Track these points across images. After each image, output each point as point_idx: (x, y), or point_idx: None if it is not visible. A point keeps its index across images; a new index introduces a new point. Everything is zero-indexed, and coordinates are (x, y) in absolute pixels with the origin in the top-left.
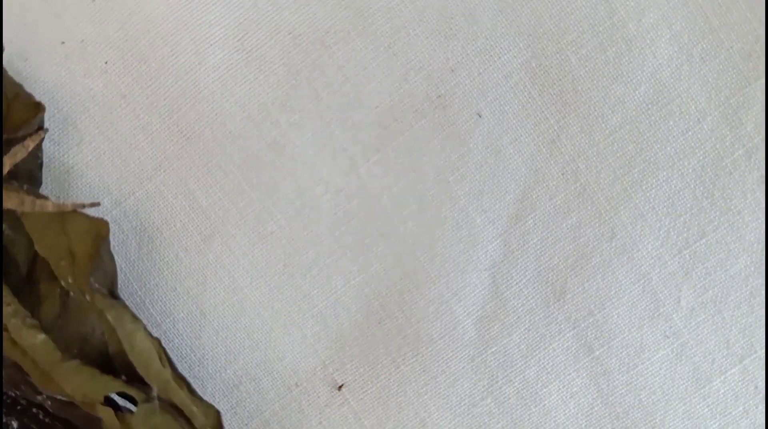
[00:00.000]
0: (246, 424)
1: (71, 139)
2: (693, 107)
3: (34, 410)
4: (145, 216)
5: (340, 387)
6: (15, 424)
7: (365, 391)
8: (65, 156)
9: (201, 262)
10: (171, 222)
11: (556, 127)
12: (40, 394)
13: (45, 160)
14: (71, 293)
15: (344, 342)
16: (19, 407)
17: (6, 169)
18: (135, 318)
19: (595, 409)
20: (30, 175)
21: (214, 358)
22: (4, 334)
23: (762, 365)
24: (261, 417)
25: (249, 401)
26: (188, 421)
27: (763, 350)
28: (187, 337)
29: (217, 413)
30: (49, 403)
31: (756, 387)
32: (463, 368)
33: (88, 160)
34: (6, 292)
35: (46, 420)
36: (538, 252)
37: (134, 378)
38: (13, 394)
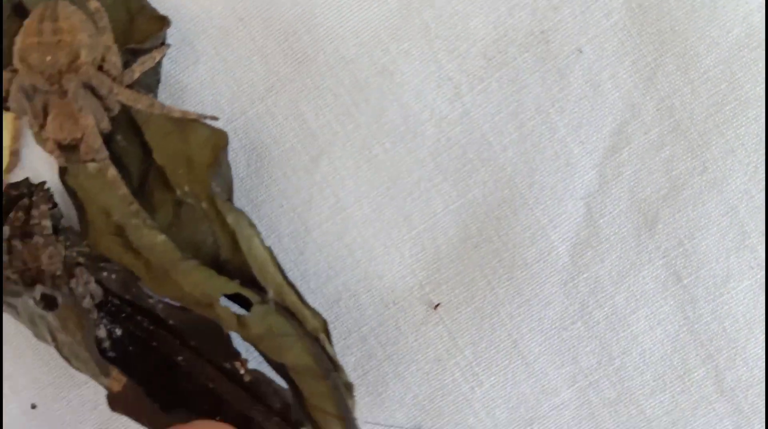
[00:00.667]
0: (344, 339)
1: (188, 58)
2: None
3: (139, 318)
4: (255, 135)
5: (436, 306)
6: (119, 331)
7: (460, 312)
8: (181, 74)
9: (308, 181)
10: (280, 141)
11: (653, 65)
12: (151, 297)
13: (162, 76)
14: (184, 203)
15: (441, 263)
16: (123, 315)
17: (136, 76)
18: (252, 224)
19: (681, 335)
20: (148, 88)
21: (316, 273)
22: (117, 238)
23: None
24: (359, 332)
25: (348, 316)
26: (300, 323)
27: None
28: (292, 252)
29: (324, 320)
30: (160, 306)
31: None
32: (555, 292)
33: (202, 79)
34: (128, 193)
35: (151, 327)
36: (632, 183)
37: (246, 283)
38: (118, 302)
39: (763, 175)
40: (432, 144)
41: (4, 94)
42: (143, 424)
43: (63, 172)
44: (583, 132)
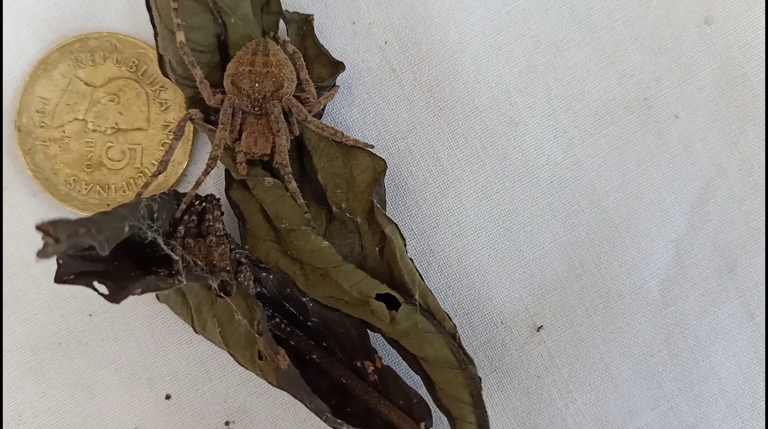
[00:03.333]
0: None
1: (345, 99)
2: None
3: (278, 320)
4: (395, 168)
5: (539, 328)
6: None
7: (560, 334)
8: (338, 112)
9: (435, 209)
10: (415, 174)
11: (737, 132)
12: (305, 297)
13: (323, 112)
14: (334, 218)
15: (546, 291)
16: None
17: (322, 107)
18: (402, 236)
19: (752, 367)
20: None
21: (436, 290)
22: (275, 245)
23: None
24: (469, 347)
25: (461, 332)
26: (439, 323)
27: None
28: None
29: (455, 325)
30: (311, 305)
31: None
32: (644, 322)
33: (355, 118)
34: (304, 203)
35: (288, 328)
36: (716, 230)
37: (393, 287)
38: (261, 303)
39: None
40: (545, 186)
41: (212, 111)
42: (301, 400)
43: (228, 187)
44: (675, 184)
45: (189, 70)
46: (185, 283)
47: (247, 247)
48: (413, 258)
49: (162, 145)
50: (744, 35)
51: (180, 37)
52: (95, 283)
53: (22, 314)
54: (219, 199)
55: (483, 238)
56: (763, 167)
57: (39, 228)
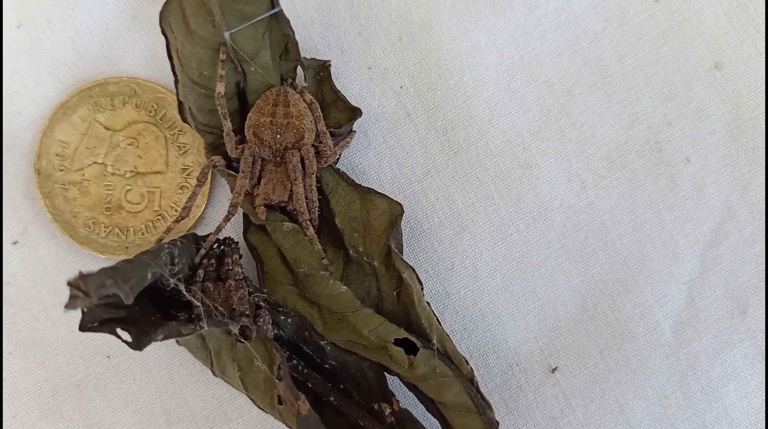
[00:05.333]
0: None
1: (361, 143)
2: None
3: (295, 362)
4: (410, 210)
5: (554, 370)
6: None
7: (574, 376)
8: (355, 156)
9: (451, 252)
10: (431, 217)
11: (747, 176)
12: (324, 340)
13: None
14: (351, 261)
15: (560, 332)
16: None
17: (338, 156)
18: (420, 280)
19: (764, 409)
20: (332, 165)
21: (452, 332)
22: (293, 288)
23: None
24: (485, 388)
25: (477, 373)
26: (458, 368)
27: None
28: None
29: (472, 369)
30: (329, 348)
31: None
32: (658, 364)
33: (371, 161)
34: (321, 249)
35: (306, 371)
36: (728, 273)
37: (410, 331)
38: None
39: None
40: (559, 228)
41: (234, 159)
42: None
43: (247, 231)
44: (687, 227)
45: (209, 117)
46: (206, 328)
47: (265, 290)
48: (430, 301)
49: (180, 188)
50: (754, 80)
51: (219, 88)
52: (119, 330)
53: (41, 356)
54: (237, 242)
55: (498, 280)
56: None
57: (71, 284)
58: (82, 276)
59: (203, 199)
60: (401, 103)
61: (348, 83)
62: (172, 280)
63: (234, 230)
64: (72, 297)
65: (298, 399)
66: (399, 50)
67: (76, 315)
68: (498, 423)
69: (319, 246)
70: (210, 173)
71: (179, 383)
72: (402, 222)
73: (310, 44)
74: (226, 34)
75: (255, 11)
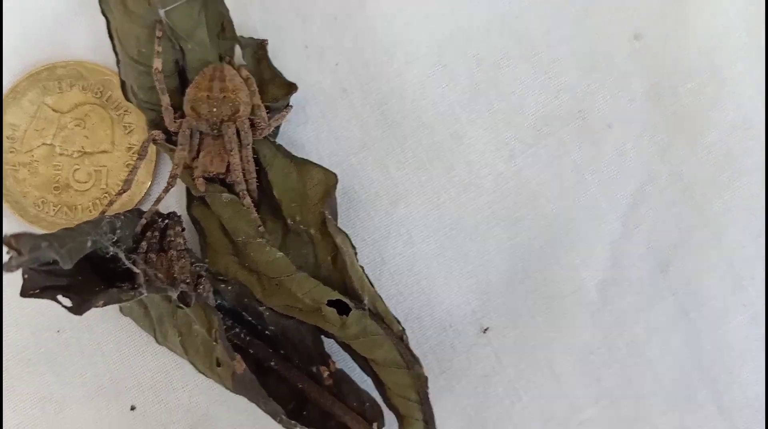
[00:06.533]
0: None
1: (300, 118)
2: (761, 134)
3: (237, 329)
4: (348, 182)
5: (485, 330)
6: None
7: (505, 336)
8: (293, 131)
9: (387, 220)
10: (367, 188)
11: (667, 140)
12: (262, 305)
13: (279, 131)
14: (290, 230)
15: (491, 295)
16: (225, 327)
17: (272, 129)
18: (353, 245)
19: (687, 362)
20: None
21: (388, 297)
22: (234, 258)
23: None
24: (420, 349)
25: (412, 336)
26: (387, 326)
27: None
28: (370, 277)
29: (403, 328)
30: (267, 314)
31: None
32: (584, 322)
33: (309, 136)
34: (257, 217)
35: (248, 338)
36: (649, 233)
37: (345, 294)
38: (221, 314)
39: (759, 229)
40: (489, 195)
41: (173, 133)
42: (257, 403)
43: (190, 204)
44: (610, 190)
45: (150, 94)
46: (146, 294)
47: (207, 260)
48: (365, 266)
49: (126, 166)
50: (671, 49)
51: (157, 64)
52: (59, 297)
53: None
54: (180, 215)
55: (432, 246)
56: (692, 172)
57: (5, 242)
58: (14, 235)
59: (148, 175)
60: (337, 79)
61: (286, 61)
62: (111, 248)
63: (179, 205)
64: (9, 258)
65: (234, 359)
66: (334, 29)
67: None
68: (426, 378)
69: (256, 214)
70: (153, 149)
71: (127, 354)
72: (339, 193)
73: (250, 24)
74: (161, 12)
75: None
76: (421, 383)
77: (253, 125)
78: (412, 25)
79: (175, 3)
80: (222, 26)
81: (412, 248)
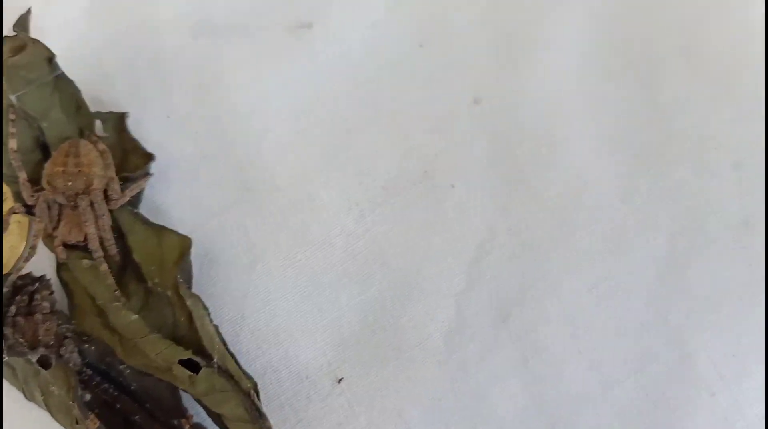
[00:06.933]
0: (266, 405)
1: (162, 185)
2: (599, 191)
3: (105, 385)
4: (209, 244)
5: (340, 380)
6: (88, 396)
7: (358, 385)
8: (156, 196)
9: (245, 280)
10: (228, 249)
11: (506, 199)
12: (122, 364)
13: (143, 197)
14: (152, 292)
15: (345, 346)
16: (93, 383)
17: (126, 199)
18: (205, 306)
19: (529, 408)
20: (133, 205)
21: (248, 351)
22: (98, 319)
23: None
24: (278, 401)
25: (270, 387)
26: (236, 383)
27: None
28: (229, 334)
29: (255, 383)
30: (128, 372)
31: (647, 394)
32: (431, 370)
33: (172, 201)
34: (113, 283)
35: (115, 393)
36: (490, 285)
37: (197, 352)
38: (90, 372)
39: (593, 280)
40: (341, 253)
41: (33, 205)
42: None
43: (59, 268)
44: (454, 245)
45: (11, 170)
46: (6, 358)
47: (74, 321)
48: (225, 323)
49: None
50: (508, 113)
51: (12, 144)
52: None
53: None
54: (50, 279)
55: (289, 302)
56: (530, 228)
57: None
58: None
59: (21, 240)
60: (198, 146)
61: (150, 131)
62: None
63: (51, 268)
64: None
65: (87, 418)
66: (194, 99)
67: None
68: None
69: (112, 280)
70: (22, 219)
71: (9, 408)
72: (199, 255)
73: (113, 96)
74: (12, 98)
75: (36, 76)
76: None
77: (107, 197)
78: (267, 94)
79: (25, 89)
80: (77, 104)
81: (269, 305)
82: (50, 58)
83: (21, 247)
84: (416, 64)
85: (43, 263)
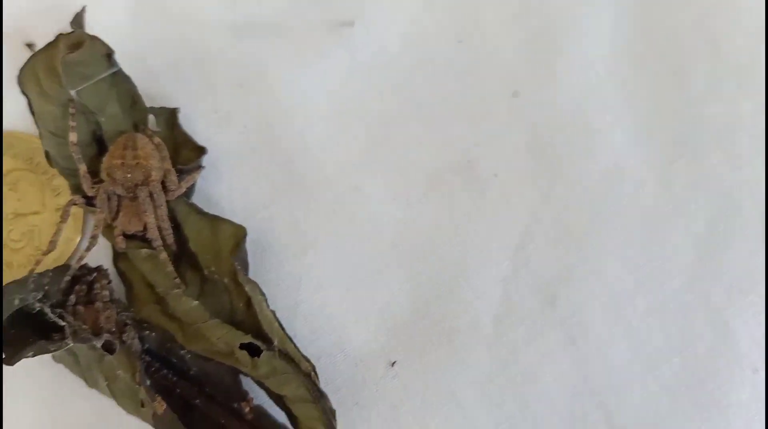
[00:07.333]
0: (324, 389)
1: (213, 177)
2: (636, 178)
3: (165, 371)
4: (260, 233)
5: (393, 364)
6: (148, 382)
7: (411, 368)
8: (208, 188)
9: (298, 267)
10: (278, 237)
11: (547, 186)
12: (184, 349)
13: (195, 189)
14: (208, 280)
15: (397, 330)
16: (152, 369)
17: (183, 190)
18: (262, 292)
19: (578, 387)
20: (187, 196)
21: (302, 337)
22: (157, 307)
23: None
24: (334, 384)
25: (325, 372)
26: (296, 365)
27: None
28: (284, 321)
29: (314, 365)
30: (188, 357)
31: (692, 372)
32: (482, 353)
33: (223, 192)
34: (173, 271)
35: (174, 378)
36: (536, 270)
37: (256, 337)
38: (149, 359)
39: (635, 264)
40: (389, 241)
41: (92, 197)
42: None
43: (116, 258)
44: (498, 232)
45: (70, 162)
46: (72, 344)
47: (132, 309)
48: (279, 310)
49: (56, 226)
50: (545, 104)
51: (72, 137)
52: None
53: None
54: (107, 269)
55: (341, 288)
56: (571, 215)
57: None
58: None
59: (77, 232)
60: (245, 139)
61: (197, 126)
62: (37, 304)
63: (107, 258)
64: None
65: (155, 400)
66: (240, 96)
67: None
68: (334, 410)
69: (172, 268)
70: (79, 209)
71: (63, 398)
72: (250, 244)
73: (164, 93)
74: (73, 92)
75: (94, 72)
76: (327, 416)
77: (165, 188)
78: (310, 90)
79: (83, 84)
80: (133, 99)
81: (322, 292)
82: (109, 54)
83: (76, 239)
84: (455, 60)
85: (98, 254)
